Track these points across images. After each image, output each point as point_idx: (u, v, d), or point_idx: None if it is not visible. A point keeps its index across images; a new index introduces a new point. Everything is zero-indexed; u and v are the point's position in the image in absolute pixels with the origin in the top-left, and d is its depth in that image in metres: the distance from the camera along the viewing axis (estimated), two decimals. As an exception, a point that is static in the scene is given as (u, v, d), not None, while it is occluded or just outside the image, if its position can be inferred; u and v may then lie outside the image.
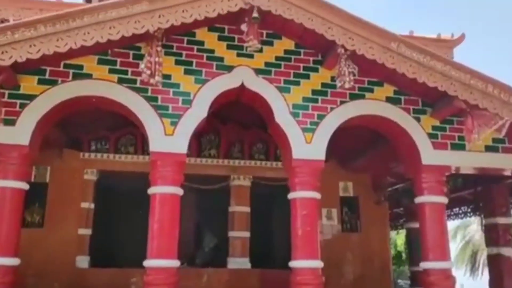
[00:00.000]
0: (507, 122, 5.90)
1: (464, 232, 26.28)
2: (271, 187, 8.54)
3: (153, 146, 5.63)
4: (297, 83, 6.30)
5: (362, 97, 6.46)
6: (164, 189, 5.57)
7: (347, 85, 5.75)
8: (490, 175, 7.42)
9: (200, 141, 8.50)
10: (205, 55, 6.10)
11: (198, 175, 8.29)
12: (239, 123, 8.67)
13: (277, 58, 6.32)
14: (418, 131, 6.44)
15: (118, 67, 5.80)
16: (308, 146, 6.10)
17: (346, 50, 5.79)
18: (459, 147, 6.48)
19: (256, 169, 8.72)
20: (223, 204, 8.75)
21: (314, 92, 6.32)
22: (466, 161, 6.54)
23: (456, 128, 6.56)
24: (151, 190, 5.64)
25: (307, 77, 6.36)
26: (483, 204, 8.69)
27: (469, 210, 10.02)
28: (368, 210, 9.13)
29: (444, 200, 6.38)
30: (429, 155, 6.37)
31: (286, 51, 6.38)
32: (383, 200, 9.16)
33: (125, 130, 8.15)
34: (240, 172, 8.64)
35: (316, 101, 6.30)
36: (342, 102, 6.37)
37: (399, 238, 20.18)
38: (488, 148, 6.58)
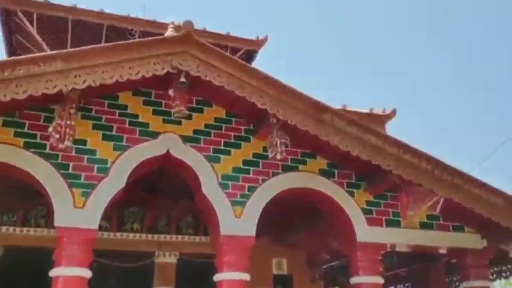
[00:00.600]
0: (441, 198, 5.76)
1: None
2: (201, 264, 7.84)
3: (59, 221, 4.93)
4: (228, 153, 5.95)
5: (295, 169, 6.20)
6: (68, 271, 4.81)
7: (279, 156, 5.46)
8: (426, 253, 7.20)
9: (122, 214, 7.77)
10: (127, 120, 5.64)
11: (118, 252, 7.50)
12: (167, 194, 8.07)
13: (206, 125, 5.99)
14: (352, 206, 6.20)
15: (25, 130, 5.18)
16: (238, 220, 5.64)
17: (278, 120, 5.55)
18: (394, 223, 6.27)
19: (183, 244, 8.05)
20: (146, 284, 7.91)
21: (245, 162, 5.99)
22: (401, 239, 6.33)
23: (390, 203, 6.39)
24: (53, 272, 4.86)
25: (238, 146, 6.04)
26: (419, 284, 8.42)
27: (405, 288, 9.70)
28: (303, 289, 8.62)
29: (380, 280, 6.06)
30: (364, 232, 6.09)
31: (216, 119, 6.07)
32: (318, 278, 8.71)
33: (36, 201, 7.28)
34: (166, 248, 7.93)
35: (247, 172, 5.95)
36: (274, 174, 6.08)
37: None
38: (423, 225, 6.41)
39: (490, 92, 48.86)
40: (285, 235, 8.39)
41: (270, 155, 5.55)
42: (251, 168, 6.00)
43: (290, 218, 7.82)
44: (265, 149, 5.94)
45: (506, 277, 7.47)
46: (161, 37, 5.45)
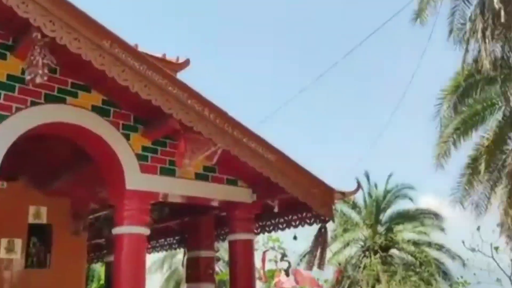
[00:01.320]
0: (219, 149, 5.57)
1: (171, 261, 26.70)
2: None
3: None
4: (-29, 70, 4.66)
5: (63, 101, 5.30)
6: None
7: (38, 80, 4.46)
8: (199, 205, 7.06)
9: None
10: None
11: None
12: None
13: None
14: (125, 150, 5.60)
15: None
16: (-26, 155, 4.47)
17: (44, 36, 4.51)
18: (168, 172, 5.89)
19: None
20: None
21: (-5, 84, 4.80)
22: (175, 189, 6.02)
23: (168, 151, 5.98)
24: None
25: (-12, 63, 4.79)
26: (188, 236, 8.32)
27: (174, 241, 9.57)
28: (63, 241, 7.71)
29: (145, 231, 5.63)
30: (135, 179, 5.57)
31: (-42, 24, 4.69)
32: (82, 229, 7.89)
33: None
34: None
35: (-4, 96, 4.78)
36: (34, 103, 5.05)
37: (104, 271, 18.77)
38: (198, 176, 6.19)
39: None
40: (47, 179, 7.30)
41: (28, 78, 4.51)
42: (3, 92, 4.89)
43: (54, 160, 6.79)
44: (24, 72, 4.83)
45: (269, 232, 7.83)
46: None
